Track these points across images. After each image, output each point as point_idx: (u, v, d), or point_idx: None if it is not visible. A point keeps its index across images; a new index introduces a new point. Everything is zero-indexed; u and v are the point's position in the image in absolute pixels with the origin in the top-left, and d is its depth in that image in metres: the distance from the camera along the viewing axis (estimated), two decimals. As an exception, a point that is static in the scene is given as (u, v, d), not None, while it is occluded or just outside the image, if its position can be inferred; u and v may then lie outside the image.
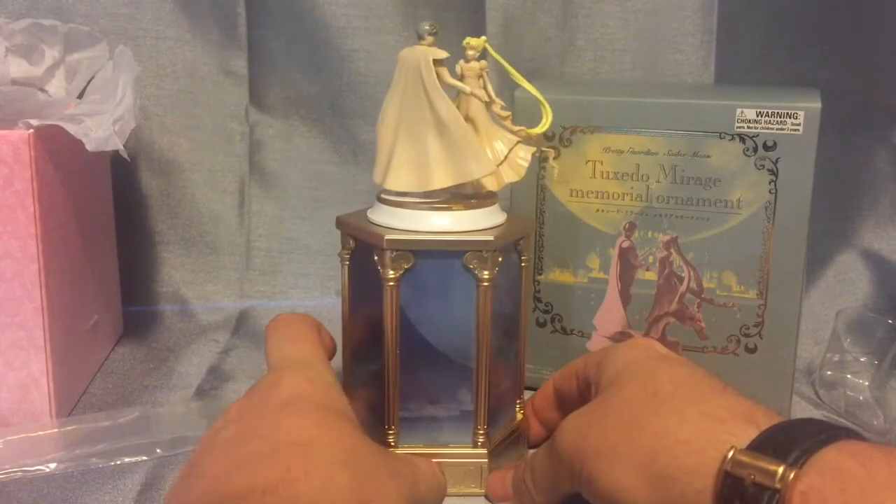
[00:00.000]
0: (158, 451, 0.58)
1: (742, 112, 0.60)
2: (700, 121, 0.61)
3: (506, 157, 0.55)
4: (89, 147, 0.58)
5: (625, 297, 0.66)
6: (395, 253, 0.51)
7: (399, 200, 0.53)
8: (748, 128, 0.60)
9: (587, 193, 0.65)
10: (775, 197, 0.61)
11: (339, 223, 0.56)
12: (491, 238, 0.52)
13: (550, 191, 0.65)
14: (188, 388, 0.70)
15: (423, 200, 0.53)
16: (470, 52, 0.54)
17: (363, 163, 0.87)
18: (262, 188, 0.89)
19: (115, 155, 0.61)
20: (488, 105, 0.55)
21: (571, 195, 0.65)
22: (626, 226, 0.64)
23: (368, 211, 0.55)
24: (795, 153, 0.60)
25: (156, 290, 0.87)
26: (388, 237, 0.51)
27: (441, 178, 0.52)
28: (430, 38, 0.52)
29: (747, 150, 0.61)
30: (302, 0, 0.83)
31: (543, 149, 0.58)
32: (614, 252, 0.65)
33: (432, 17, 0.83)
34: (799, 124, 0.59)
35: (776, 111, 0.60)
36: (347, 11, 0.83)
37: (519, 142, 0.55)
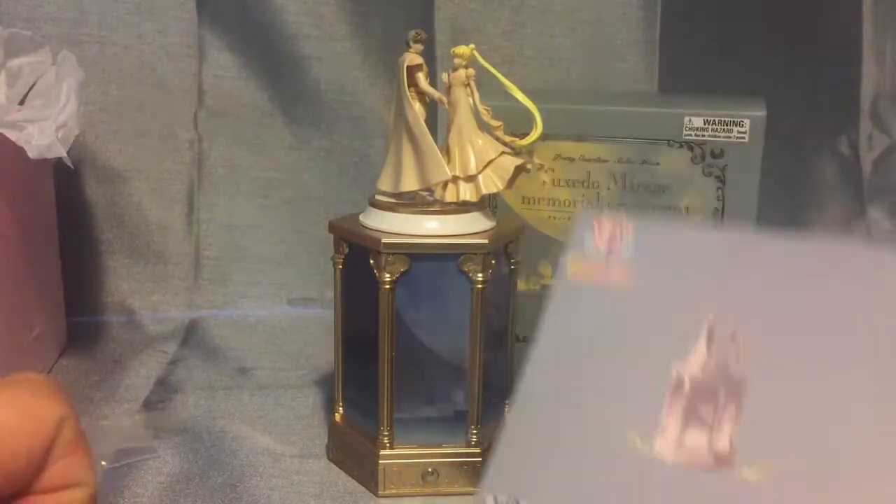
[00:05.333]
0: (104, 463, 0.57)
1: (690, 120, 0.61)
2: (649, 129, 0.62)
3: (486, 166, 0.54)
4: (31, 154, 0.57)
5: (576, 304, 0.66)
6: (391, 256, 0.52)
7: (393, 204, 0.54)
8: (696, 135, 0.61)
9: (539, 201, 0.65)
10: (723, 204, 0.61)
11: (333, 228, 0.56)
12: (486, 241, 0.52)
13: (502, 198, 0.65)
14: (135, 401, 0.68)
15: (411, 203, 0.54)
16: (456, 61, 0.54)
17: (315, 170, 0.87)
18: (211, 196, 0.87)
19: (59, 162, 0.60)
20: (476, 113, 0.55)
21: (523, 202, 0.65)
22: (578, 233, 0.65)
23: (361, 215, 0.56)
24: (742, 161, 0.61)
25: (101, 301, 0.86)
26: (385, 241, 0.52)
27: (408, 182, 0.53)
28: (415, 46, 0.53)
29: (695, 157, 0.61)
30: (253, 7, 0.83)
31: (529, 166, 0.56)
32: (566, 259, 0.65)
33: (381, 25, 0.84)
34: (745, 132, 0.60)
35: (723, 119, 0.60)
36: (298, 19, 0.83)
37: (504, 152, 0.55)
